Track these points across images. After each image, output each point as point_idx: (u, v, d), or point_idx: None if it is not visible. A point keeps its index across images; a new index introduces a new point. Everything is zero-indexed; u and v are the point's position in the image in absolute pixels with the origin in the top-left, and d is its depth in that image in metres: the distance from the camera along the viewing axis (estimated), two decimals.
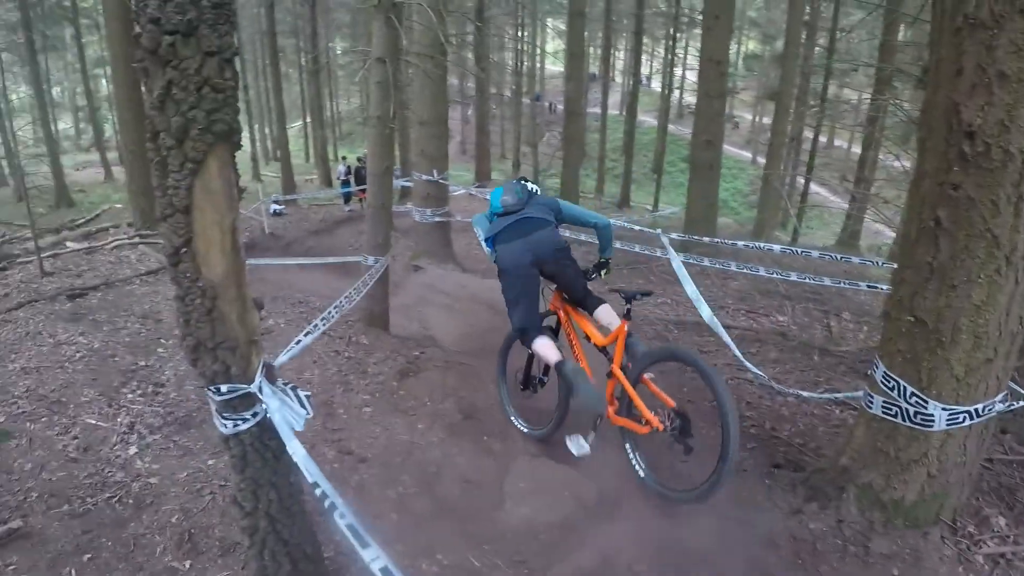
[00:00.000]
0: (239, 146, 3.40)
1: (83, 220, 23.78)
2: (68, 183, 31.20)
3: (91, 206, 28.03)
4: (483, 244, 7.22)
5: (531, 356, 7.41)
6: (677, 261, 9.55)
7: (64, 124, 60.75)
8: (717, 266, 10.56)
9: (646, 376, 6.38)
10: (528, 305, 6.71)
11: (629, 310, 6.52)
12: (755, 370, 7.98)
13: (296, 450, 3.75)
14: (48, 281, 13.37)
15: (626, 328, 6.51)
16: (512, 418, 7.70)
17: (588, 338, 6.91)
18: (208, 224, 3.33)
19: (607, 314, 6.82)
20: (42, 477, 6.53)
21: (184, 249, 3.37)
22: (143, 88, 3.21)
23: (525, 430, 7.44)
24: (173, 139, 3.16)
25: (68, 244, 17.84)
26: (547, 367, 7.23)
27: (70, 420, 7.60)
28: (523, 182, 7.42)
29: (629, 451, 6.52)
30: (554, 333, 7.34)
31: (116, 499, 6.20)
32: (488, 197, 7.33)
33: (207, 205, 3.30)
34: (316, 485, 3.52)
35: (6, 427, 7.31)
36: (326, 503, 3.48)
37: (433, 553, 5.48)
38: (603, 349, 6.75)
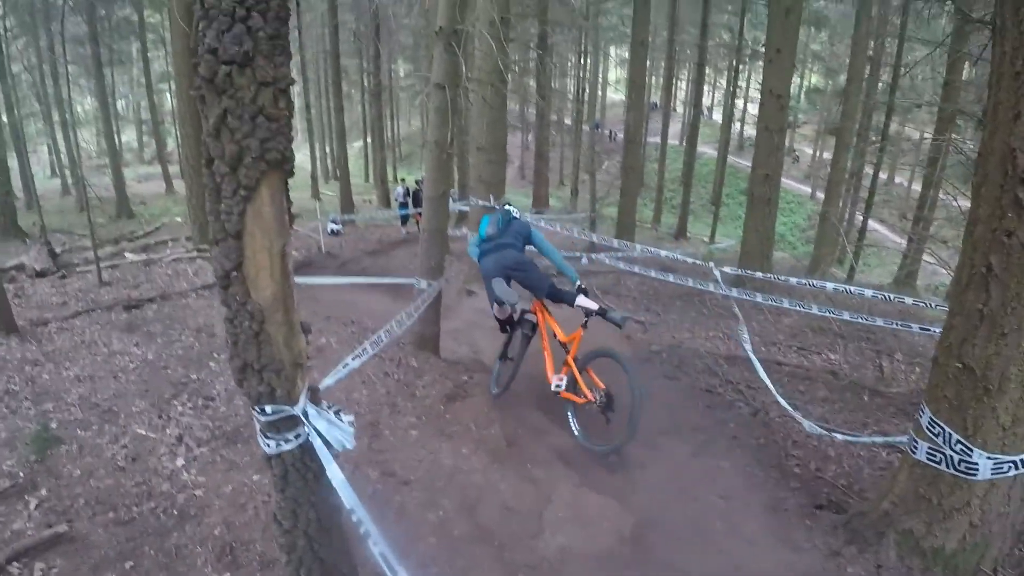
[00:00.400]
0: (291, 174, 3.47)
1: (143, 232, 24.19)
2: (129, 195, 31.63)
3: (151, 218, 28.48)
4: (476, 260, 9.12)
5: (508, 338, 9.56)
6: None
7: (127, 137, 61.68)
8: (770, 302, 10.49)
9: (589, 367, 8.29)
10: (495, 295, 8.56)
11: (586, 322, 8.45)
12: (786, 405, 7.96)
13: (335, 474, 3.82)
14: (106, 291, 13.66)
15: (581, 334, 8.48)
16: (493, 388, 9.44)
17: (555, 335, 8.74)
18: (258, 249, 3.40)
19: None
20: (90, 484, 6.68)
21: (234, 273, 3.44)
22: (201, 115, 3.29)
23: (495, 391, 9.33)
24: (227, 166, 3.24)
25: (127, 255, 18.19)
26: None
27: (120, 429, 7.77)
28: (507, 207, 9.29)
29: (570, 417, 8.45)
30: (533, 328, 9.09)
31: (161, 509, 6.32)
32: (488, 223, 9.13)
33: (258, 231, 3.36)
34: (352, 511, 3.57)
35: (58, 433, 7.50)
36: (361, 529, 3.53)
37: None
38: (563, 345, 8.57)
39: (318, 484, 4.08)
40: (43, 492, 6.49)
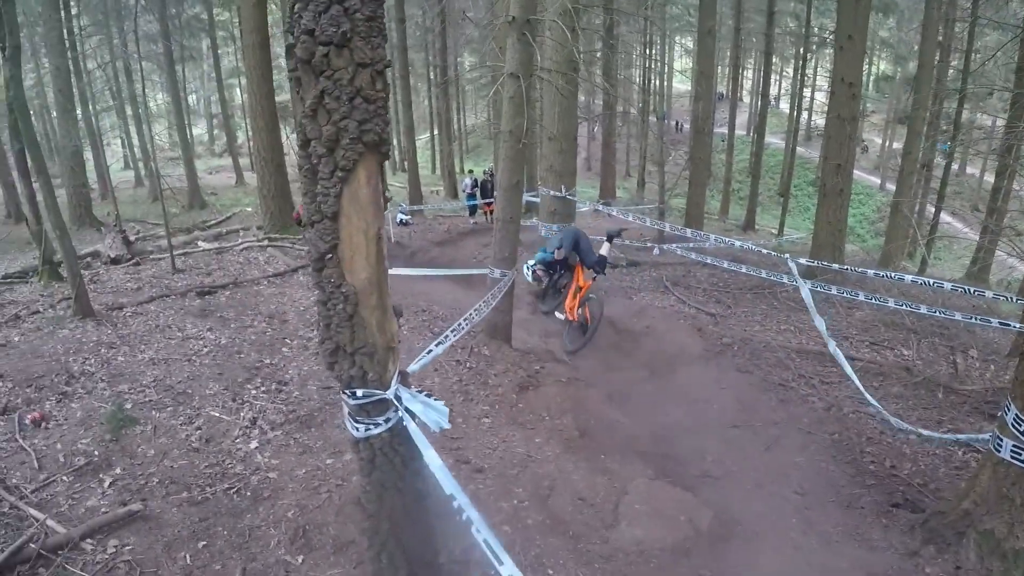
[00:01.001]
0: (388, 156, 3.47)
1: (214, 222, 24.53)
2: (201, 186, 32.10)
3: (222, 208, 28.82)
4: (535, 261, 12.01)
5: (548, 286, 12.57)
6: (806, 290, 9.49)
7: (198, 130, 62.63)
8: (844, 295, 10.35)
9: (586, 304, 11.60)
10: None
11: (595, 277, 11.75)
12: (876, 404, 7.84)
13: (432, 459, 3.82)
14: (179, 278, 13.91)
15: (590, 284, 11.69)
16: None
17: (580, 286, 11.68)
18: (354, 231, 3.41)
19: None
20: (164, 464, 6.79)
21: (329, 255, 3.46)
22: (296, 96, 3.30)
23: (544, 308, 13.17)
24: (324, 147, 3.25)
25: (200, 244, 18.47)
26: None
27: (194, 411, 7.90)
28: (571, 230, 12.33)
29: (564, 334, 11.77)
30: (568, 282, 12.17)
31: (234, 490, 6.41)
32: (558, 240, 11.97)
33: (354, 213, 3.37)
34: (452, 497, 3.58)
35: (133, 414, 7.62)
36: (463, 516, 3.53)
37: (544, 568, 5.51)
38: (580, 288, 11.63)
39: (406, 469, 4.09)
40: (117, 471, 6.60)
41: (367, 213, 3.41)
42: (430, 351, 6.16)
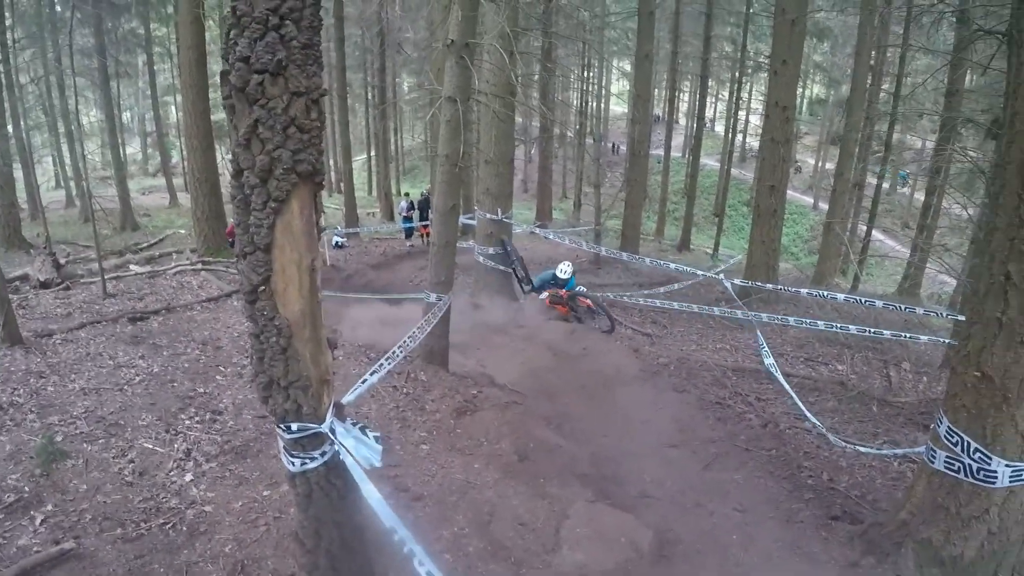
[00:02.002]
0: (322, 187, 3.46)
1: (147, 244, 24.11)
2: (134, 207, 31.47)
3: (155, 230, 28.32)
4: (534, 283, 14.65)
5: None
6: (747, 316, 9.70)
7: (132, 149, 61.61)
8: (776, 321, 10.56)
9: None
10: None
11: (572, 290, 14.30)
12: (815, 420, 7.95)
13: (371, 494, 3.79)
14: (110, 303, 13.61)
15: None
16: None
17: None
18: (287, 263, 3.39)
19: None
20: (97, 499, 6.65)
21: (262, 287, 3.43)
22: (230, 125, 3.28)
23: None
24: (257, 178, 3.22)
25: (132, 267, 18.13)
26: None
27: (127, 443, 7.73)
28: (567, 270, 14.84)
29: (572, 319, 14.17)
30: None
31: (170, 525, 6.30)
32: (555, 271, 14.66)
33: (287, 244, 3.35)
34: (393, 530, 3.56)
35: (63, 447, 7.44)
36: (406, 549, 3.51)
37: None
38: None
39: (343, 503, 4.06)
40: (49, 507, 6.46)
41: (300, 244, 3.39)
42: (365, 380, 6.13)
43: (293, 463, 3.90)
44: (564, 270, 14.77)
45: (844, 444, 7.95)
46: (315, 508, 4.05)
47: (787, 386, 9.02)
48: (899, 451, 8.01)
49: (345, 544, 4.19)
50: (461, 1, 8.88)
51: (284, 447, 3.92)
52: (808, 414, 8.54)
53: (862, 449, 7.91)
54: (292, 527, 5.59)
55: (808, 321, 10.63)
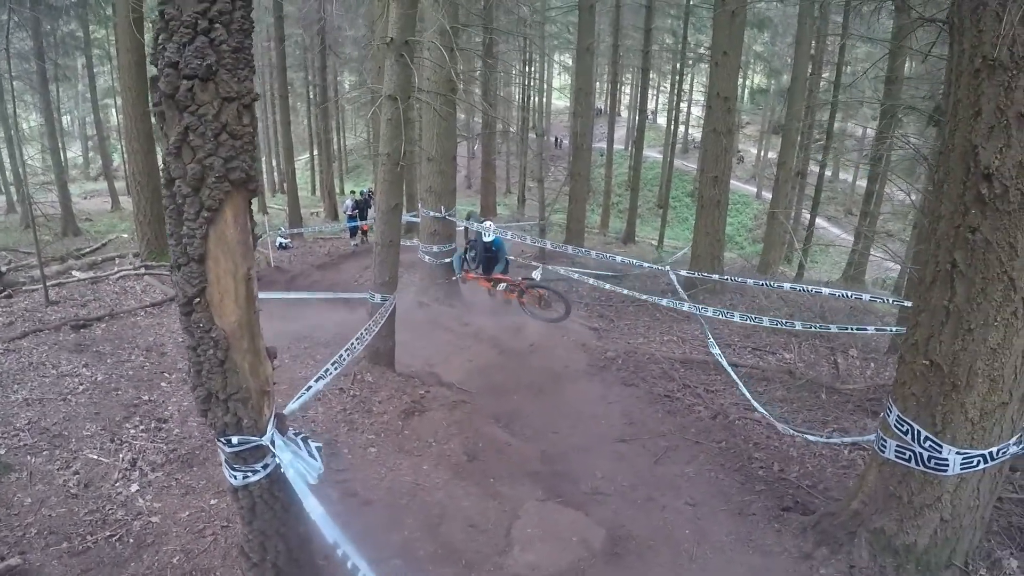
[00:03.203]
0: (256, 194, 3.39)
1: (89, 249, 23.70)
2: (76, 211, 30.99)
3: (98, 235, 27.89)
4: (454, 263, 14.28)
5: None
6: (692, 307, 9.73)
7: (73, 153, 60.76)
8: (720, 316, 10.60)
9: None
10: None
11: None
12: (762, 409, 7.97)
13: (314, 508, 3.71)
14: (53, 310, 13.40)
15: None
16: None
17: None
18: (222, 273, 3.32)
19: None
20: (42, 513, 6.53)
21: (197, 299, 3.35)
22: (160, 132, 3.20)
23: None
24: (189, 187, 3.15)
25: (74, 273, 17.83)
26: None
27: (71, 455, 7.61)
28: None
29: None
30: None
31: (116, 538, 6.20)
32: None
33: (221, 254, 3.28)
34: (337, 545, 3.50)
35: (7, 460, 7.32)
36: (348, 564, 3.46)
37: None
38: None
39: (287, 515, 4.00)
40: None
41: (235, 254, 3.32)
42: (310, 387, 6.05)
43: (235, 476, 3.85)
44: (488, 229, 14.28)
45: (793, 432, 7.97)
46: (259, 521, 3.99)
47: (735, 376, 9.02)
48: (848, 439, 8.03)
49: (291, 556, 4.14)
50: None
51: (226, 460, 3.86)
52: (756, 404, 8.55)
53: (811, 438, 7.92)
54: (239, 539, 5.54)
55: (754, 317, 10.66)
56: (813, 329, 10.79)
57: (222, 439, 3.76)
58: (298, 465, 3.87)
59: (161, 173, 3.23)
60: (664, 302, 11.17)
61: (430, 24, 11.71)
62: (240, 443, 3.75)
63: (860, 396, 9.90)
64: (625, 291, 12.55)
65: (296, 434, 4.05)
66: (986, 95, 4.36)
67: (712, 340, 9.96)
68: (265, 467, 3.84)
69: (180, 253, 3.29)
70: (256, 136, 3.34)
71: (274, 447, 3.82)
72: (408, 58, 8.94)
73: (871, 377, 11.00)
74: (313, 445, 4.07)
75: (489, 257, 14.38)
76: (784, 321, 10.35)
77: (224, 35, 3.06)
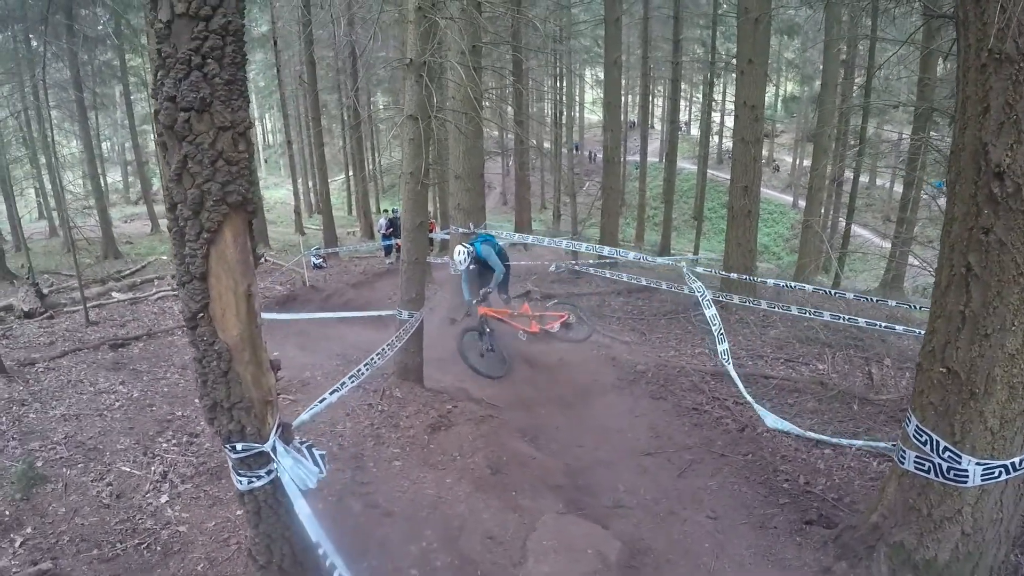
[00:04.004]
0: (254, 215, 3.53)
1: (129, 271, 24.08)
2: (116, 235, 31.43)
3: (137, 257, 28.30)
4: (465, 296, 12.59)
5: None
6: (707, 301, 9.60)
7: (113, 178, 61.60)
8: (748, 303, 10.52)
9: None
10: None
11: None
12: (761, 410, 7.82)
13: (302, 509, 3.88)
14: (92, 330, 13.77)
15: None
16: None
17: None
18: (223, 290, 3.47)
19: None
20: (75, 521, 6.73)
21: (201, 314, 3.50)
22: (162, 161, 3.37)
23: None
24: (189, 210, 3.33)
25: (114, 295, 18.20)
26: None
27: (105, 467, 7.82)
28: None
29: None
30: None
31: (145, 546, 6.37)
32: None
33: (222, 272, 3.43)
34: (318, 545, 3.60)
35: (43, 472, 7.55)
36: (327, 563, 3.55)
37: None
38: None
39: (291, 519, 4.11)
40: (28, 530, 6.53)
41: (235, 272, 3.47)
42: (324, 399, 6.14)
43: (241, 482, 4.01)
44: (457, 263, 12.46)
45: (783, 425, 7.77)
46: (265, 525, 4.13)
47: (735, 376, 8.84)
48: (858, 443, 7.68)
49: (297, 559, 4.27)
50: (416, 20, 8.90)
51: (232, 466, 4.00)
52: (753, 402, 8.32)
53: (810, 435, 7.72)
54: (247, 542, 5.64)
55: (781, 305, 10.62)
56: (842, 321, 10.67)
57: (227, 446, 3.94)
58: (298, 471, 4.00)
59: (164, 199, 3.37)
60: (664, 286, 11.17)
61: (452, 45, 11.79)
62: (244, 449, 3.90)
63: (893, 406, 9.76)
64: (626, 277, 12.61)
65: (302, 443, 4.17)
66: (994, 90, 4.31)
67: (722, 343, 9.80)
68: (269, 473, 3.99)
69: (184, 272, 3.46)
70: (252, 161, 3.46)
71: (275, 454, 3.93)
72: (427, 79, 9.02)
73: (905, 387, 10.84)
74: (317, 453, 4.19)
75: (482, 271, 12.80)
76: (811, 311, 10.26)
77: (216, 69, 3.24)
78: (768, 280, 11.51)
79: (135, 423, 9.08)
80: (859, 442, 7.72)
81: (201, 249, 3.38)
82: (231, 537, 6.45)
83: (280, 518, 4.13)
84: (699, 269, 11.51)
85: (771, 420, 7.65)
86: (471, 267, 12.35)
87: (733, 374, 8.48)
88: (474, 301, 12.34)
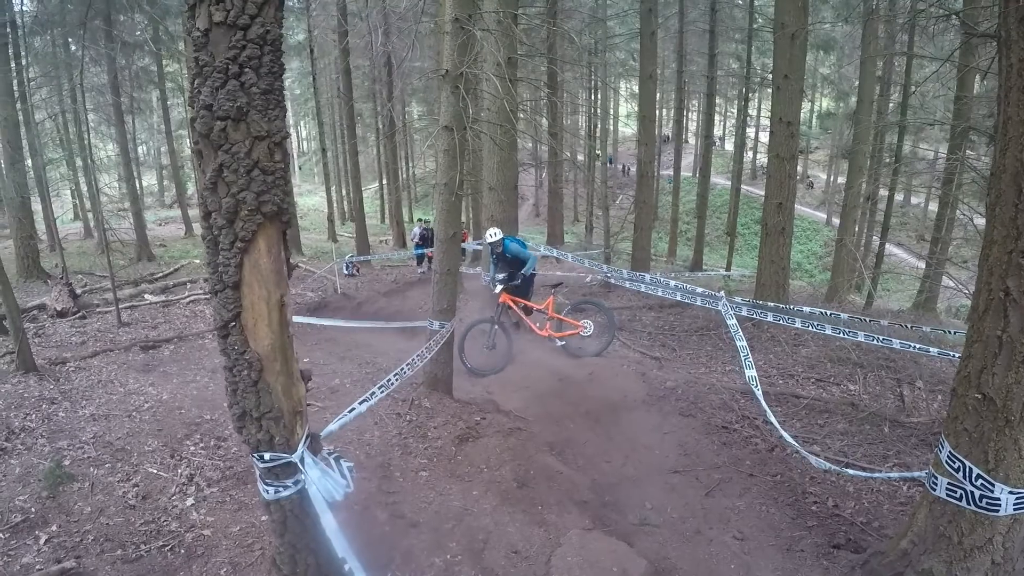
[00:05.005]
0: (288, 225, 3.51)
1: (162, 274, 24.28)
2: (150, 237, 31.77)
3: (171, 260, 28.55)
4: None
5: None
6: (734, 323, 9.59)
7: (148, 181, 62.30)
8: (780, 321, 10.44)
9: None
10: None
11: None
12: (788, 437, 7.78)
13: (329, 523, 3.86)
14: (124, 331, 13.92)
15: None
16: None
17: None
18: (256, 300, 3.48)
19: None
20: (100, 521, 6.79)
21: (233, 323, 3.50)
22: (197, 169, 3.39)
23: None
24: (224, 219, 3.33)
25: (146, 296, 18.40)
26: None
27: (132, 468, 7.89)
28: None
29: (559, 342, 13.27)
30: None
31: (168, 548, 6.41)
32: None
33: (255, 281, 3.43)
34: (344, 560, 3.59)
35: (71, 471, 7.62)
36: None
37: None
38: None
39: (317, 529, 4.11)
40: (53, 528, 6.61)
41: (269, 281, 3.47)
42: (352, 409, 6.17)
43: (267, 491, 4.02)
44: (492, 234, 13.46)
45: (828, 465, 7.74)
46: (290, 534, 4.14)
47: (762, 399, 8.80)
48: (894, 475, 7.68)
49: (322, 571, 4.26)
50: (452, 32, 8.92)
51: (259, 476, 4.00)
52: (784, 433, 8.28)
53: (851, 473, 7.71)
54: (271, 551, 5.65)
55: (815, 324, 10.53)
56: (876, 343, 10.57)
57: (255, 455, 3.95)
58: (325, 483, 4.01)
59: (198, 207, 3.37)
60: (679, 296, 11.17)
61: (489, 56, 11.82)
62: (271, 459, 3.91)
63: (924, 430, 9.63)
64: (679, 296, 12.61)
65: (330, 454, 4.17)
66: None
67: (749, 363, 9.75)
68: (296, 483, 4.00)
69: (217, 280, 3.48)
70: (287, 171, 3.46)
71: (303, 465, 3.94)
72: (463, 90, 9.03)
73: (937, 410, 10.71)
74: (345, 465, 4.19)
75: (507, 264, 13.52)
76: (847, 331, 10.18)
77: (254, 79, 3.24)
78: (804, 308, 11.39)
79: (163, 425, 9.14)
80: (895, 475, 7.67)
81: (235, 258, 3.40)
82: (255, 543, 6.46)
83: (306, 529, 4.14)
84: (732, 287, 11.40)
85: (814, 460, 7.64)
86: (494, 257, 13.41)
87: (765, 408, 8.49)
88: (496, 286, 13.13)
